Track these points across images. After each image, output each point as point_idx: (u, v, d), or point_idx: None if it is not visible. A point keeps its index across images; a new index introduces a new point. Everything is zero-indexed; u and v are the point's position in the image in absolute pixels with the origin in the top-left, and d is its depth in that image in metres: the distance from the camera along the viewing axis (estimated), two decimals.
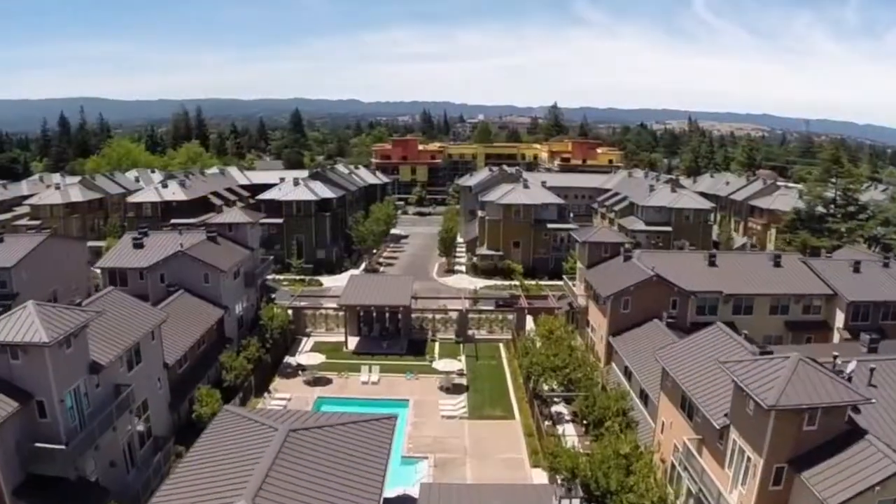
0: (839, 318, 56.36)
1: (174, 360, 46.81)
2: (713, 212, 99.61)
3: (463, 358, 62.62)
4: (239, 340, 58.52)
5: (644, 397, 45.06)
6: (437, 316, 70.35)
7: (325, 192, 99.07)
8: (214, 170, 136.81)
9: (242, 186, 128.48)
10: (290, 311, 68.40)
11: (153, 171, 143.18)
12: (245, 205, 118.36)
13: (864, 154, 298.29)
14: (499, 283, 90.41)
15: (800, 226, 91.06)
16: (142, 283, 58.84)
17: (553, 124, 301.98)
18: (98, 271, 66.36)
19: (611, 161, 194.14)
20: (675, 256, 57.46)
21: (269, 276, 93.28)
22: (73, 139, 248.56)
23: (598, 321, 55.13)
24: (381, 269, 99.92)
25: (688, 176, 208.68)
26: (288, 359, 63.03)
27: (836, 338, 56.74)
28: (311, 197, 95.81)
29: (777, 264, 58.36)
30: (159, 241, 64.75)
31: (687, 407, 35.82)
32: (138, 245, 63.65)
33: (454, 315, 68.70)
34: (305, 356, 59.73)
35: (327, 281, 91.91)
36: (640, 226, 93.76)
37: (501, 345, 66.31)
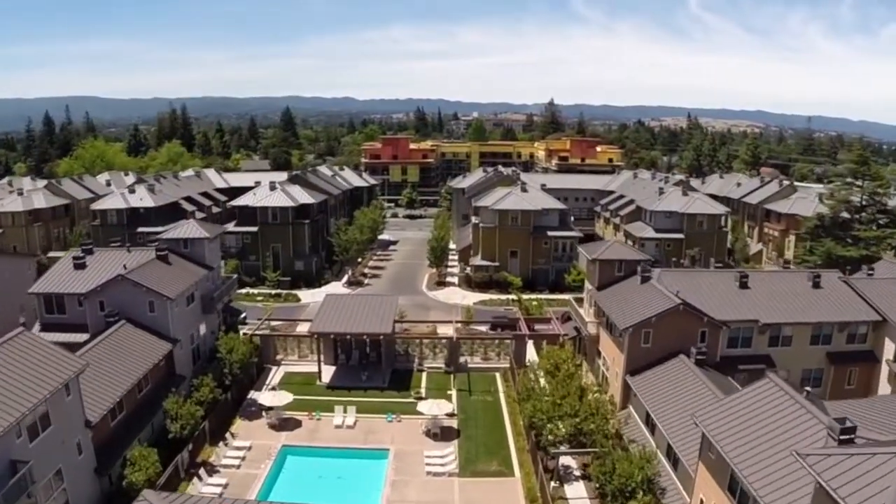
0: (889, 349, 48.50)
1: (100, 414, 38.42)
2: (726, 217, 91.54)
3: (453, 393, 54.53)
4: (193, 377, 50.40)
5: (672, 456, 36.94)
6: (425, 340, 62.39)
7: (303, 197, 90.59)
8: (189, 172, 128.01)
9: (220, 190, 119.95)
10: (257, 338, 60.43)
11: (126, 174, 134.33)
12: (221, 210, 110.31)
13: (874, 151, 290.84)
14: (494, 297, 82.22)
15: (822, 233, 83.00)
16: (82, 312, 50.69)
17: (550, 121, 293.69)
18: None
19: (611, 160, 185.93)
20: (701, 277, 49.35)
21: (243, 290, 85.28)
22: (55, 139, 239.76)
23: (613, 355, 46.97)
24: (366, 280, 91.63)
25: (689, 174, 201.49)
26: (253, 394, 55.01)
27: (884, 371, 48.96)
28: (287, 203, 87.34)
29: (816, 285, 50.28)
30: (105, 259, 56.26)
31: (738, 492, 27.70)
32: (80, 265, 55.11)
33: (444, 340, 60.68)
34: (270, 395, 51.37)
35: (305, 296, 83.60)
36: (650, 233, 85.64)
37: (498, 375, 58.12)
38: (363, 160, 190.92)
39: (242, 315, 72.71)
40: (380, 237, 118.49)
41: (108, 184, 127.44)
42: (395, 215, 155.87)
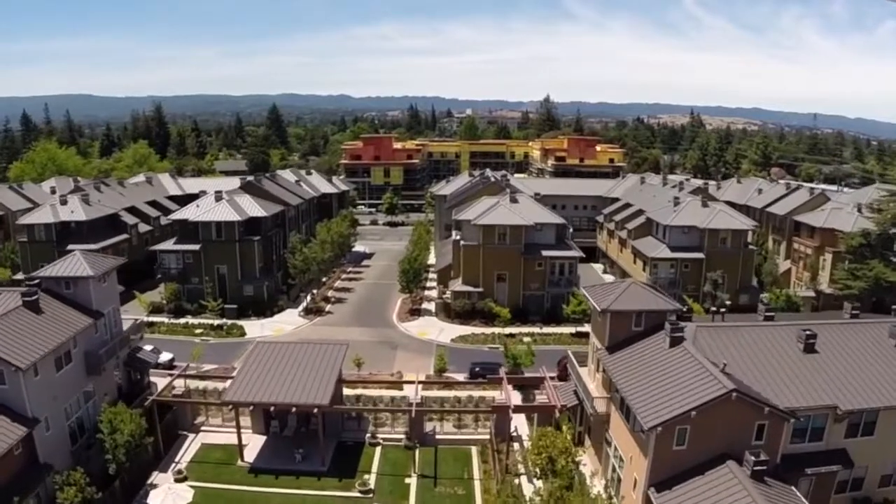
0: None
1: None
2: (754, 232, 78.05)
3: (413, 480, 41.23)
4: (72, 465, 37.47)
5: None
6: (379, 403, 49.13)
7: (254, 209, 76.94)
8: (140, 177, 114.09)
9: (173, 197, 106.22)
10: (174, 395, 47.33)
11: (76, 180, 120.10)
12: (170, 221, 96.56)
13: (868, 149, 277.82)
14: (477, 330, 68.54)
15: (868, 253, 69.79)
16: None
17: (545, 119, 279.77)
18: None
19: (612, 160, 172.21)
20: (750, 336, 35.78)
21: (182, 320, 71.99)
22: (26, 139, 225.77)
23: (630, 453, 33.50)
24: (328, 307, 77.97)
25: (694, 175, 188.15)
26: (155, 476, 41.93)
27: None
28: (233, 217, 73.66)
29: None
30: None
31: None
32: None
33: (406, 399, 47.39)
34: (163, 493, 37.87)
35: (253, 328, 70.07)
36: (664, 251, 72.10)
37: (474, 450, 44.89)
38: (342, 161, 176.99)
39: (168, 358, 59.48)
40: (354, 249, 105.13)
41: (53, 191, 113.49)
42: (374, 222, 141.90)
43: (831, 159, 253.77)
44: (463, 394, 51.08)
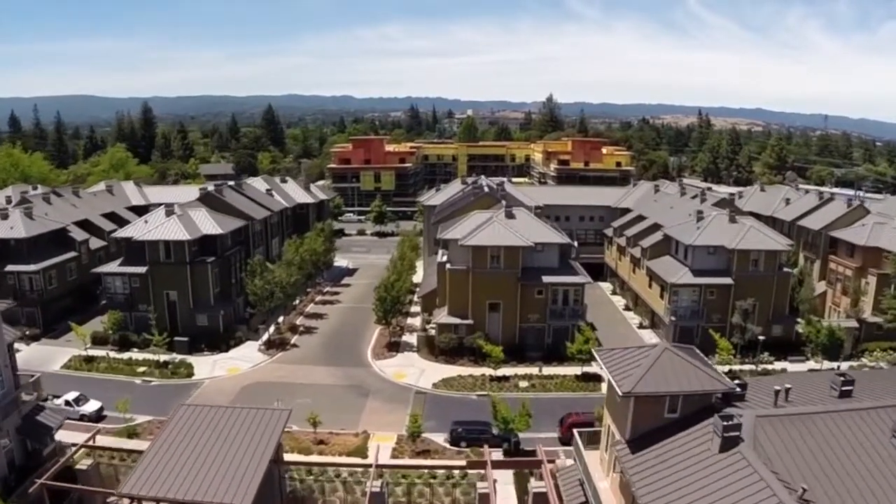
0: None
1: None
2: (789, 253, 67.45)
3: None
4: None
5: None
6: (342, 464, 38.95)
7: (208, 225, 66.79)
8: (100, 186, 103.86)
9: (135, 208, 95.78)
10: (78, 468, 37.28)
11: (35, 188, 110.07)
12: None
13: (880, 152, 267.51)
14: (465, 371, 58.07)
15: None
16: None
17: (548, 119, 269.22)
18: None
19: (619, 164, 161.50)
20: (826, 428, 25.41)
21: (125, 356, 62.00)
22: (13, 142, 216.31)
23: None
24: (294, 338, 67.63)
25: (704, 179, 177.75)
26: None
27: None
28: (183, 235, 63.51)
29: None
30: None
31: None
32: None
33: (368, 474, 36.99)
34: None
35: (204, 366, 60.03)
36: (686, 276, 61.55)
37: None
38: (331, 165, 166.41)
39: (95, 408, 49.85)
40: (335, 264, 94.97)
41: (9, 201, 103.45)
42: (361, 232, 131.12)
43: (843, 161, 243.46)
44: (440, 464, 40.78)
